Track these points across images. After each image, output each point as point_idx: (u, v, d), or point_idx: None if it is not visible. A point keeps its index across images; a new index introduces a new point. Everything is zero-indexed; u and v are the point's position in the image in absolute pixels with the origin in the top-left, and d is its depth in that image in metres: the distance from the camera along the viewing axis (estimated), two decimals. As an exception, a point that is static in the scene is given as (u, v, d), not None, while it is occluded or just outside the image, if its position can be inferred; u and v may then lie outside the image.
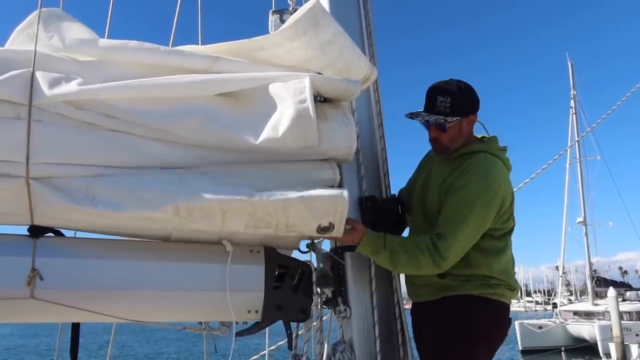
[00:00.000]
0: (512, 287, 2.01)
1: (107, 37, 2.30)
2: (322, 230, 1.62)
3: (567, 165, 28.49)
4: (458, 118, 2.01)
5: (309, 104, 1.52)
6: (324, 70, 1.77)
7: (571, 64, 29.20)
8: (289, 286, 1.82)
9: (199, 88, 1.58)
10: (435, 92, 2.03)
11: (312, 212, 1.57)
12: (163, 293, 1.66)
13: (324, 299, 1.95)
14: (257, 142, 1.55)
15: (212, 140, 1.58)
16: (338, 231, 1.65)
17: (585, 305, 26.24)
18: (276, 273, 1.82)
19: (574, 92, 28.71)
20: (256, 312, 1.76)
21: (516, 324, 21.78)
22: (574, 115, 27.83)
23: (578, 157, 28.25)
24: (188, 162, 1.63)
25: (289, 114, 1.53)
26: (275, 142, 1.55)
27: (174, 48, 1.68)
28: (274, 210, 1.54)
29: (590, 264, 27.97)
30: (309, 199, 1.56)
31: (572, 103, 28.56)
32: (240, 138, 1.55)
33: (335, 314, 1.95)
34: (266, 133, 1.55)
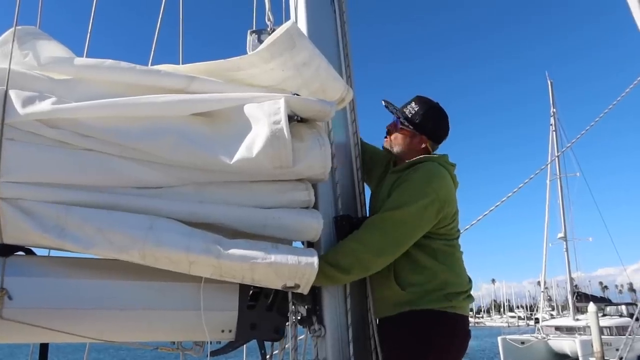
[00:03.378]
0: (469, 295, 2.05)
1: (86, 56, 2.31)
2: (288, 288, 1.63)
3: (548, 181, 28.92)
4: (412, 128, 2.14)
5: (284, 124, 1.54)
6: (299, 91, 1.79)
7: (551, 82, 29.82)
8: (264, 305, 1.82)
9: (174, 108, 1.59)
10: (415, 98, 2.18)
11: (278, 274, 1.58)
12: (136, 313, 1.65)
13: (298, 318, 1.95)
14: (231, 162, 1.56)
15: (187, 160, 1.59)
16: (304, 290, 1.65)
17: (567, 320, 26.45)
18: (250, 292, 1.82)
19: (554, 110, 29.29)
20: (230, 331, 1.76)
21: (499, 339, 21.83)
22: (554, 133, 28.34)
23: (558, 174, 28.70)
24: (163, 182, 1.64)
25: (263, 135, 1.55)
26: (249, 162, 1.56)
27: (150, 67, 1.70)
28: (240, 269, 1.55)
29: (571, 279, 28.25)
30: (277, 265, 1.56)
31: (552, 120, 29.10)
32: (215, 158, 1.57)
33: (310, 333, 1.95)
34: (240, 153, 1.56)
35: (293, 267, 1.55)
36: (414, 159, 2.12)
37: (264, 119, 1.56)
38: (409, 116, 2.15)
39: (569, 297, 27.70)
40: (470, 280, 2.10)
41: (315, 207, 2.02)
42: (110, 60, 1.64)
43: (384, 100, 2.21)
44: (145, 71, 1.67)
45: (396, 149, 2.19)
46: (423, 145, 2.17)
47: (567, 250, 28.16)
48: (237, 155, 1.56)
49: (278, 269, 1.55)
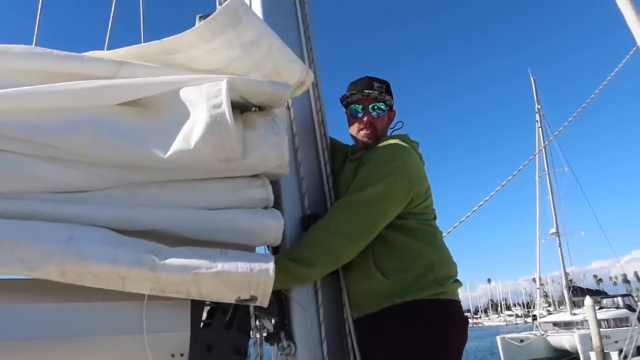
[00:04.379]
0: (457, 280, 1.85)
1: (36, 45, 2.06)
2: (243, 301, 1.38)
3: (537, 178, 28.93)
4: (389, 107, 2.02)
5: (225, 108, 1.31)
6: (250, 74, 1.56)
7: (534, 80, 29.94)
8: (221, 323, 1.57)
9: (96, 96, 1.35)
10: (370, 79, 2.00)
11: (228, 286, 1.34)
12: (66, 341, 1.39)
13: (264, 335, 1.70)
14: (165, 156, 1.32)
15: (113, 156, 1.35)
16: (262, 302, 1.40)
17: (564, 316, 26.32)
18: (208, 308, 1.57)
19: (539, 107, 29.37)
20: (181, 355, 1.50)
21: (498, 339, 21.62)
22: (540, 129, 28.39)
23: (547, 169, 28.73)
24: (88, 184, 1.39)
25: (202, 121, 1.31)
26: (187, 154, 1.32)
27: (71, 53, 1.45)
28: (182, 282, 1.30)
29: (566, 274, 28.18)
30: (225, 274, 1.31)
31: (537, 117, 29.18)
32: (146, 152, 1.32)
33: (278, 350, 1.71)
34: (176, 145, 1.32)
35: (244, 276, 1.31)
36: (384, 141, 1.94)
37: (203, 103, 1.33)
38: (385, 98, 1.98)
39: (565, 291, 27.62)
40: (456, 264, 1.88)
41: (279, 207, 1.79)
42: (21, 46, 1.39)
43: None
44: (65, 57, 1.42)
45: (382, 135, 2.01)
46: (390, 122, 2.07)
47: (560, 246, 28.12)
48: (173, 148, 1.32)
49: (227, 280, 1.31)
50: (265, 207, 1.59)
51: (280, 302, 1.72)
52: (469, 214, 3.81)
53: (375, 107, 1.97)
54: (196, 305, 1.53)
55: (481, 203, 3.82)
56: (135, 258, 1.25)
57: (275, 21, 1.92)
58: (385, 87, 2.01)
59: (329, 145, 2.01)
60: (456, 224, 3.89)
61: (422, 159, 1.97)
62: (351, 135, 2.05)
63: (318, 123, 1.98)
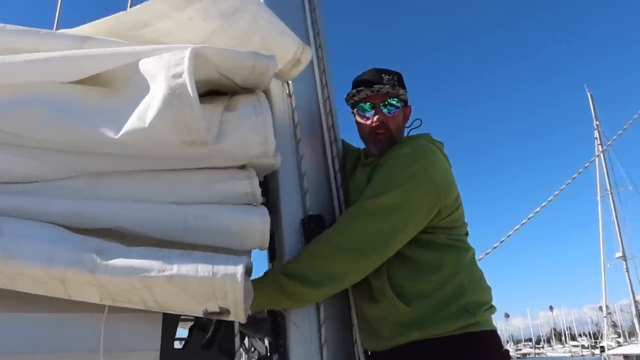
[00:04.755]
0: (492, 306, 1.51)
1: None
2: (213, 314, 1.12)
3: (599, 198, 27.27)
4: (403, 103, 1.72)
5: (186, 77, 1.08)
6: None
7: (590, 95, 28.50)
8: (199, 342, 1.32)
9: (43, 71, 1.16)
10: (378, 71, 1.70)
11: (190, 293, 1.08)
12: (10, 358, 1.18)
13: (254, 358, 1.43)
14: (117, 136, 1.10)
15: (61, 139, 1.14)
16: (237, 316, 1.13)
17: (636, 348, 24.26)
18: (191, 325, 1.33)
19: (597, 123, 27.86)
20: (149, 380, 1.26)
21: (562, 371, 20.11)
22: (599, 146, 26.84)
23: (609, 189, 27.03)
24: (38, 173, 1.19)
25: (159, 95, 1.09)
26: (142, 134, 1.10)
27: (27, 28, 1.28)
28: (131, 287, 1.07)
29: (636, 302, 26.09)
30: (181, 279, 1.05)
31: (595, 134, 27.67)
32: (95, 132, 1.11)
33: (271, 377, 1.43)
34: (130, 123, 1.10)
35: (205, 282, 1.05)
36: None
37: (162, 73, 1.11)
38: (399, 92, 1.67)
39: (636, 321, 25.52)
40: (490, 288, 1.55)
41: (276, 206, 1.54)
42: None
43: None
44: (19, 32, 1.25)
45: (399, 136, 1.72)
46: (407, 120, 1.77)
47: (627, 271, 26.16)
48: (126, 127, 1.10)
49: (185, 286, 1.05)
50: (251, 204, 1.34)
51: (274, 318, 1.45)
52: (512, 232, 3.41)
53: (388, 103, 1.66)
54: (169, 320, 1.29)
55: (530, 215, 3.42)
56: (73, 258, 1.03)
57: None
58: (397, 79, 1.71)
59: (339, 139, 1.75)
60: (502, 239, 3.50)
61: (449, 161, 1.66)
62: (362, 140, 1.76)
63: (325, 113, 1.72)
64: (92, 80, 1.24)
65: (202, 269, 1.05)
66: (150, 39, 1.35)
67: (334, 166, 1.66)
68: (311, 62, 1.76)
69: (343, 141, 1.87)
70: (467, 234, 1.61)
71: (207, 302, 1.09)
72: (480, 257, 3.42)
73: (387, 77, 1.67)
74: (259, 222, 1.26)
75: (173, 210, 1.23)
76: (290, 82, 1.69)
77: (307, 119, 1.69)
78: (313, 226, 1.48)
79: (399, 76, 1.72)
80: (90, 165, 1.21)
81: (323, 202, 1.60)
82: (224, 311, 1.12)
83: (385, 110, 1.66)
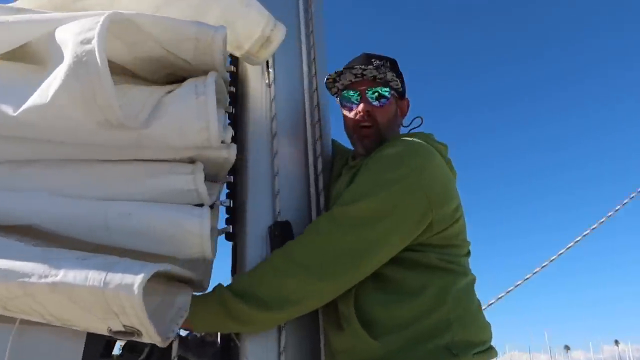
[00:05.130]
0: (490, 348, 1.21)
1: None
2: (120, 334, 0.91)
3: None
4: (395, 92, 1.45)
5: (96, 43, 0.89)
6: (188, 25, 1.14)
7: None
8: (126, 365, 1.11)
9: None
10: (367, 55, 1.46)
11: (82, 307, 0.88)
12: None
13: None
14: (16, 114, 0.92)
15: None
16: (152, 339, 0.92)
17: None
18: (108, 343, 1.13)
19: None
20: (62, 408, 1.06)
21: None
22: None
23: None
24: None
25: (64, 64, 0.90)
26: (44, 111, 0.91)
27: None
28: (14, 295, 0.88)
29: None
30: (66, 287, 0.84)
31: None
32: (-6, 110, 0.94)
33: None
34: (32, 99, 0.92)
35: (95, 293, 0.84)
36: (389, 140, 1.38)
37: (71, 40, 0.92)
38: (389, 78, 1.41)
39: None
40: (489, 325, 1.25)
41: (241, 210, 1.32)
42: None
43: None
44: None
45: (389, 132, 1.44)
46: (403, 116, 1.51)
47: None
48: (27, 103, 0.92)
49: (72, 295, 0.85)
50: (199, 205, 1.12)
51: (226, 342, 1.22)
52: (564, 250, 3.02)
53: (376, 92, 1.40)
54: (93, 340, 1.09)
55: (578, 239, 3.03)
56: None
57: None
58: (391, 65, 1.45)
59: (326, 137, 1.52)
60: (553, 257, 3.13)
61: (453, 168, 1.37)
62: (348, 138, 1.49)
63: (311, 107, 1.49)
64: (18, 56, 1.08)
65: (93, 277, 0.84)
66: (97, 7, 1.18)
67: (315, 167, 1.42)
68: (299, 48, 1.55)
69: (334, 142, 1.63)
70: (467, 254, 1.32)
71: (108, 319, 0.88)
72: (518, 283, 3.05)
73: (377, 61, 1.43)
74: (196, 225, 1.04)
75: (93, 206, 1.04)
76: (271, 70, 1.48)
77: (288, 112, 1.46)
78: (277, 234, 1.25)
79: (393, 62, 1.46)
80: (3, 151, 1.04)
81: (298, 208, 1.36)
82: (133, 331, 0.90)
83: (372, 100, 1.40)
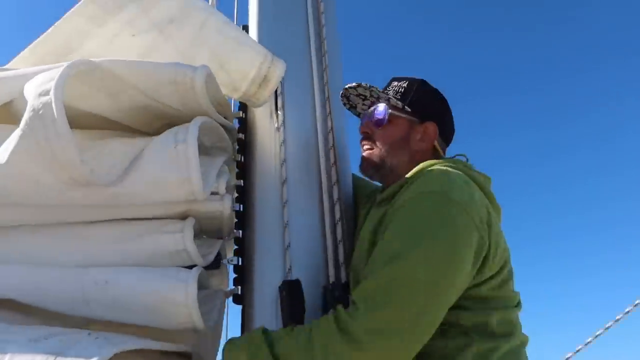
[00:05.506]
0: None
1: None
2: None
3: None
4: (409, 112, 1.26)
5: (53, 94, 0.80)
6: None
7: None
8: None
9: None
10: (394, 78, 1.33)
11: None
12: None
13: None
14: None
15: None
16: None
17: None
18: None
19: None
20: None
21: None
22: None
23: None
24: None
25: (22, 120, 0.82)
26: (3, 171, 0.83)
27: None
28: None
29: None
30: None
31: None
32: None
33: None
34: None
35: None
36: (416, 169, 1.17)
37: (32, 92, 0.84)
38: (399, 97, 1.28)
39: None
40: None
41: (249, 269, 1.18)
42: None
43: (349, 87, 1.35)
44: None
45: (392, 158, 1.26)
46: (427, 142, 1.27)
47: None
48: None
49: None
50: (190, 266, 0.99)
51: None
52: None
53: (371, 109, 1.32)
54: None
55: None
56: None
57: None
58: (408, 85, 1.29)
59: (344, 180, 1.36)
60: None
61: (497, 203, 1.15)
62: None
63: (325, 148, 1.35)
64: (2, 115, 1.03)
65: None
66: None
67: (332, 215, 1.26)
68: (312, 85, 1.43)
69: (355, 177, 1.47)
70: (517, 305, 1.08)
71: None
72: (578, 348, 2.67)
73: (395, 83, 1.31)
74: (181, 292, 0.91)
75: (70, 275, 0.93)
76: (280, 111, 1.36)
77: (299, 157, 1.32)
78: (285, 295, 1.08)
79: (412, 82, 1.29)
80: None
81: (311, 265, 1.20)
82: None
83: (365, 117, 1.32)
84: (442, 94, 1.33)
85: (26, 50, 1.12)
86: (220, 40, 1.10)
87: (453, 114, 1.36)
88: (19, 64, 1.14)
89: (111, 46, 1.08)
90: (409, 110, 1.26)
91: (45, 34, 1.09)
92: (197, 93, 0.97)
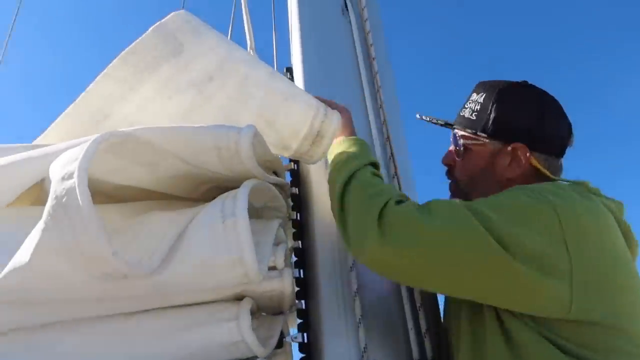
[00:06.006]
0: None
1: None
2: None
3: None
4: (485, 136, 1.05)
5: (77, 178, 0.68)
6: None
7: None
8: None
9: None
10: (477, 85, 1.14)
11: None
12: None
13: None
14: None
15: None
16: None
17: None
18: None
19: None
20: None
21: None
22: None
23: None
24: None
25: (45, 210, 0.70)
26: (27, 273, 0.71)
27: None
28: None
29: None
30: None
31: None
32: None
33: None
34: (14, 261, 0.73)
35: None
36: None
37: (56, 175, 0.73)
38: (474, 118, 1.08)
39: None
40: None
41: (316, 348, 1.02)
42: None
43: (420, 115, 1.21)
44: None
45: (478, 187, 1.08)
46: (519, 168, 1.03)
47: None
48: (9, 266, 0.72)
49: None
50: (247, 360, 0.83)
51: None
52: None
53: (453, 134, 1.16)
54: None
55: None
56: None
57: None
58: (484, 101, 1.07)
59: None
60: None
61: (633, 237, 0.92)
62: None
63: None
64: (34, 196, 0.93)
65: None
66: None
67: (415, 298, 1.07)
68: (366, 122, 1.29)
69: None
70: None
71: None
72: None
73: (475, 95, 1.11)
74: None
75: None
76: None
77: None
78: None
79: (490, 94, 1.07)
80: (5, 319, 0.85)
81: (392, 339, 1.01)
82: None
83: (451, 144, 1.15)
84: (533, 95, 1.07)
85: (58, 119, 1.02)
86: (266, 95, 0.96)
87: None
88: (51, 135, 1.04)
89: (146, 111, 0.96)
90: (486, 135, 1.06)
91: (76, 101, 0.99)
92: (243, 157, 0.83)
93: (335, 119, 1.00)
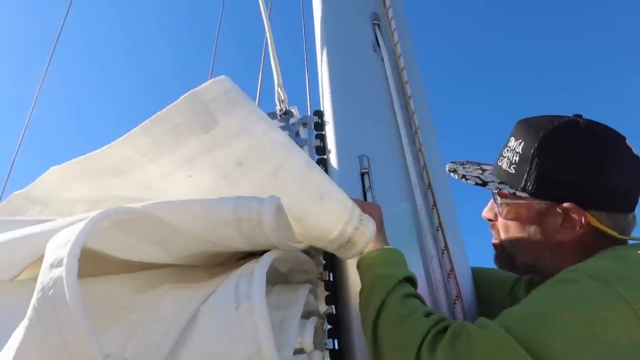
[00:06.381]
0: None
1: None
2: None
3: None
4: (525, 195, 0.89)
5: (65, 267, 0.59)
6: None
7: None
8: None
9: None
10: (516, 126, 0.96)
11: None
12: None
13: None
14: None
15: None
16: None
17: None
18: None
19: None
20: None
21: None
22: None
23: None
24: None
25: (31, 302, 0.61)
26: None
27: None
28: None
29: None
30: None
31: None
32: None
33: None
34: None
35: None
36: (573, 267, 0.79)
37: (46, 260, 0.64)
38: (513, 172, 0.91)
39: None
40: None
41: None
42: None
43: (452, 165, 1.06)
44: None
45: (517, 255, 0.94)
46: (575, 228, 0.85)
47: None
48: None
49: None
50: None
51: None
52: None
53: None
54: None
55: None
56: None
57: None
58: (523, 151, 0.90)
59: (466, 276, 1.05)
60: None
61: None
62: None
63: (438, 255, 1.05)
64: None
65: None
66: (129, 193, 0.93)
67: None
68: (404, 168, 1.17)
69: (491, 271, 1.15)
70: None
71: None
72: None
73: (513, 141, 0.94)
74: None
75: None
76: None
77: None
78: None
79: (529, 143, 0.90)
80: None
81: None
82: None
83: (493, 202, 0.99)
84: (586, 139, 0.87)
85: (72, 161, 0.92)
86: (301, 191, 0.85)
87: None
88: (61, 174, 0.95)
89: (165, 182, 0.87)
90: (527, 195, 0.89)
91: (92, 152, 0.89)
92: (266, 230, 0.72)
93: (370, 227, 0.89)
